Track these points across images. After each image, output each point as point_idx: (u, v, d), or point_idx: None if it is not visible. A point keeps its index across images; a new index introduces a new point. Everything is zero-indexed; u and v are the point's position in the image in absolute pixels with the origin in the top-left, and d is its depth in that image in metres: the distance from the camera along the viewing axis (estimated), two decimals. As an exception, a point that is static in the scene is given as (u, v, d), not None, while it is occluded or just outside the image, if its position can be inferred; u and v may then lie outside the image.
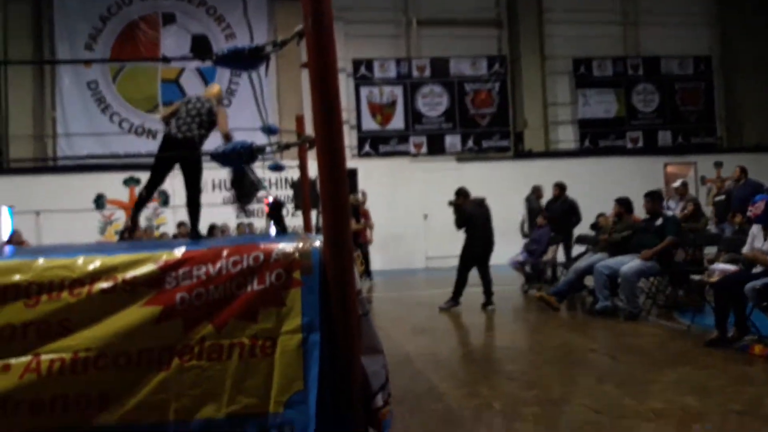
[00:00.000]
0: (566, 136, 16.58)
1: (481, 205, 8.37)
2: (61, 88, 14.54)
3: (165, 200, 13.76)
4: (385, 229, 12.98)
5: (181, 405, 2.21)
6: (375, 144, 15.76)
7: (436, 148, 15.96)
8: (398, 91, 16.01)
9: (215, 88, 5.63)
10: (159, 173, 5.33)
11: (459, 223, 8.26)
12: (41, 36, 14.58)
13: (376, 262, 12.28)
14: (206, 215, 12.95)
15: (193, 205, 5.39)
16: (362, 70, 15.82)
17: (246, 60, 2.86)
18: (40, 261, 2.31)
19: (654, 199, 7.47)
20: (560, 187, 10.40)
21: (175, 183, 13.68)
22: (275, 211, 7.78)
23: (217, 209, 13.24)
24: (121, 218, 13.72)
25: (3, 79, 14.23)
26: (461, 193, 8.44)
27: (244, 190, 6.12)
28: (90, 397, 2.20)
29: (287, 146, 3.03)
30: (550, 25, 16.41)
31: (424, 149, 15.97)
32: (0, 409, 2.15)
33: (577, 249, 9.61)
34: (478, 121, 16.23)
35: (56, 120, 14.52)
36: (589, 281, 7.82)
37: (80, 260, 2.31)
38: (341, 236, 2.40)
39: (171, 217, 13.32)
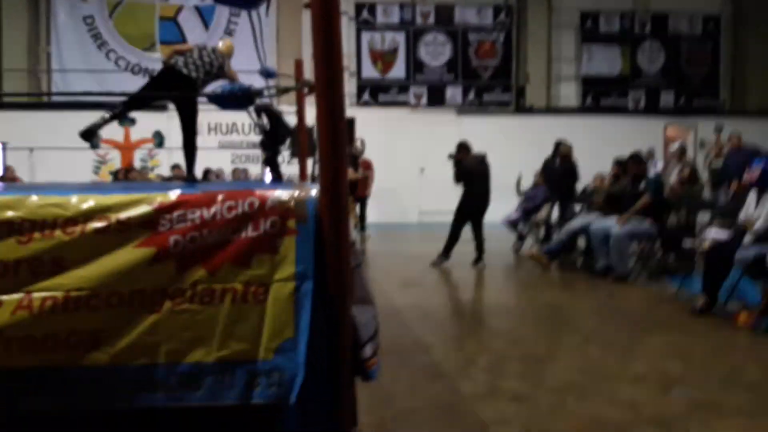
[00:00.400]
0: (568, 93, 16.40)
1: (481, 162, 8.34)
2: (57, 22, 14.23)
3: (160, 142, 13.65)
4: (381, 181, 12.91)
5: (171, 348, 2.22)
6: (374, 93, 15.58)
7: (436, 99, 15.79)
8: (400, 38, 15.73)
9: (229, 44, 5.48)
10: (149, 97, 5.32)
11: (457, 177, 8.24)
12: (36, -34, 14.19)
13: (370, 215, 12.28)
14: (201, 159, 12.83)
15: (189, 146, 5.31)
16: (364, 14, 15.50)
17: None
18: (34, 198, 2.28)
19: (636, 161, 7.46)
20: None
21: (171, 125, 13.52)
22: (271, 158, 7.74)
23: (213, 153, 13.17)
24: (115, 158, 13.63)
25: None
26: (463, 148, 8.40)
27: (277, 138, 6.17)
28: (81, 336, 2.21)
29: (285, 90, 2.96)
30: (559, -25, 16.03)
31: (424, 101, 15.80)
32: (-8, 344, 2.16)
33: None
34: (481, 74, 16.02)
35: (51, 55, 14.26)
36: (580, 242, 7.87)
37: (74, 199, 2.28)
38: (337, 186, 2.38)
39: (166, 159, 13.24)
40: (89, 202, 2.28)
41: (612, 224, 7.03)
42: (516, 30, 16.07)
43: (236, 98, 2.77)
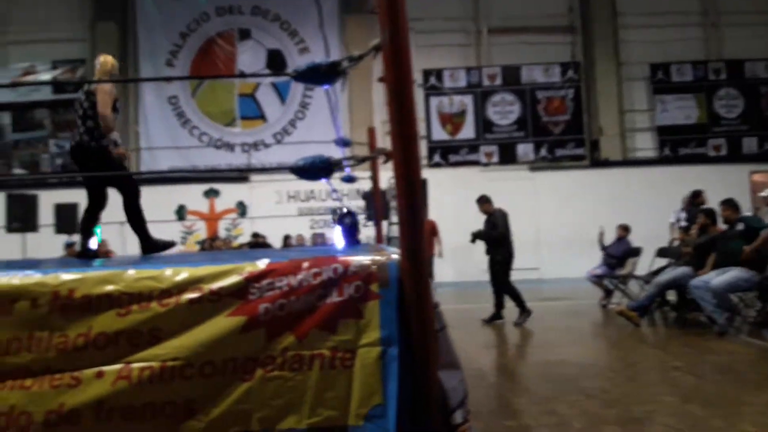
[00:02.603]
0: (644, 144, 16.06)
1: (504, 215, 8.34)
2: (144, 103, 15.26)
3: (243, 212, 14.19)
4: (455, 240, 12.87)
5: (264, 415, 2.24)
6: (445, 154, 15.73)
7: (507, 157, 15.77)
8: (468, 100, 15.94)
9: (103, 61, 4.65)
10: (90, 190, 4.68)
11: (500, 233, 8.26)
12: (126, 53, 15.34)
13: (446, 274, 12.19)
14: (281, 226, 13.19)
15: (89, 217, 4.68)
16: (432, 80, 15.84)
17: (323, 75, 2.91)
18: (131, 272, 2.40)
19: (731, 206, 7.16)
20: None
21: (252, 195, 14.02)
22: (348, 222, 7.90)
23: (293, 220, 13.56)
24: (201, 229, 14.23)
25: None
26: (487, 200, 8.54)
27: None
28: (177, 405, 2.26)
29: (365, 159, 3.04)
30: (626, 30, 15.98)
31: (495, 158, 15.81)
32: (95, 415, 2.24)
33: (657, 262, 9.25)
34: (552, 129, 15.93)
35: (140, 134, 15.23)
36: (671, 295, 7.51)
37: (168, 271, 2.39)
38: (418, 249, 2.40)
39: (248, 227, 13.71)
40: (183, 274, 2.39)
41: (712, 277, 6.69)
42: (585, 85, 16.01)
43: (317, 169, 2.87)
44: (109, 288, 2.36)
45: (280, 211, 13.91)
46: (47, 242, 10.50)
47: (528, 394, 4.65)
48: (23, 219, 9.65)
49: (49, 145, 15.18)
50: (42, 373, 2.30)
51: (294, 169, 2.96)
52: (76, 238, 10.89)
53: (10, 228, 9.58)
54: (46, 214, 10.36)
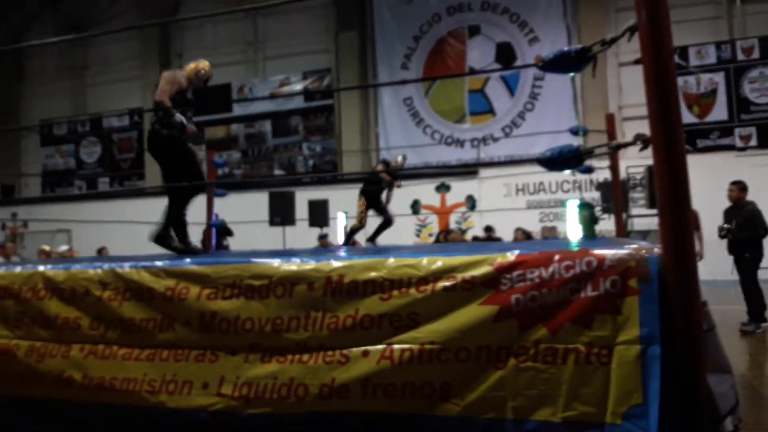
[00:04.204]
0: None
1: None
2: (383, 106, 16.19)
3: (472, 205, 14.41)
4: (707, 235, 11.67)
5: (518, 404, 2.27)
6: (692, 139, 14.32)
7: (769, 140, 13.87)
8: (719, 78, 14.32)
9: (196, 64, 4.50)
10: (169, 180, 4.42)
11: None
12: (365, 59, 16.42)
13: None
14: (510, 219, 13.07)
15: (173, 212, 4.31)
16: (676, 58, 14.52)
17: (572, 62, 2.84)
18: (391, 260, 2.59)
19: None
20: None
21: (481, 188, 14.09)
22: (584, 215, 7.60)
23: (521, 213, 13.41)
24: (433, 222, 14.75)
25: (338, 103, 16.39)
26: (745, 187, 7.58)
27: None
28: (434, 387, 2.39)
29: (620, 147, 2.89)
30: None
31: (753, 142, 14.01)
32: (362, 391, 2.46)
33: None
34: (826, 106, 13.68)
35: (379, 135, 16.22)
36: None
37: (425, 260, 2.53)
38: (682, 242, 2.24)
39: (478, 220, 13.88)
40: (438, 263, 2.51)
41: None
42: None
43: (565, 159, 2.80)
44: (373, 274, 2.57)
45: (508, 204, 13.85)
46: (303, 235, 11.67)
47: (807, 410, 4.07)
48: (282, 214, 10.85)
49: (303, 148, 16.88)
50: (316, 349, 2.58)
51: (541, 161, 2.93)
52: (327, 230, 11.99)
53: (273, 222, 10.84)
54: (301, 210, 11.52)
